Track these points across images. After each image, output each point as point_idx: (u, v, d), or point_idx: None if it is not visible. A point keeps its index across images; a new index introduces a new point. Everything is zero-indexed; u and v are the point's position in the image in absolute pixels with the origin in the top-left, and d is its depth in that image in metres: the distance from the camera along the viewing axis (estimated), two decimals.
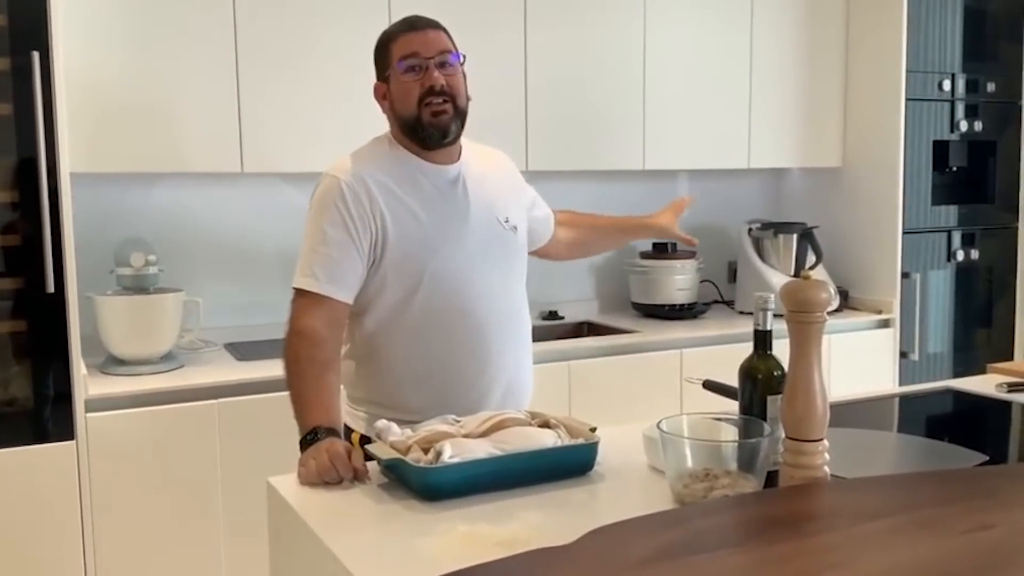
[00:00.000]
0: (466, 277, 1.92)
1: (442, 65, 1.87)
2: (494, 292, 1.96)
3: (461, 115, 1.91)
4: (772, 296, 1.52)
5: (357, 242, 1.85)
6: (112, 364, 2.75)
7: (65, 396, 2.43)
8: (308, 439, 1.67)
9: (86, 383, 2.49)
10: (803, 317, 1.39)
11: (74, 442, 2.45)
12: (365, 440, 1.88)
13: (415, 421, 1.83)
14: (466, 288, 1.92)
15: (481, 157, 2.05)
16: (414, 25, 1.90)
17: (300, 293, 1.87)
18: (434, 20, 1.93)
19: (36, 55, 2.32)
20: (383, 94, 1.94)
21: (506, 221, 1.99)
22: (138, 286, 2.81)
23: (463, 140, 2.00)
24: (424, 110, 1.86)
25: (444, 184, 1.94)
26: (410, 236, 1.88)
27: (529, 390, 2.08)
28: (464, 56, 1.93)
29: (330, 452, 1.59)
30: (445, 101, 1.86)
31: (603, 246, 2.51)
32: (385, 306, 1.91)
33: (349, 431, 2.02)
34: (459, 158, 1.98)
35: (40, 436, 2.42)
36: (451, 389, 1.92)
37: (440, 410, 1.78)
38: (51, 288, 2.37)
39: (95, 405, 2.49)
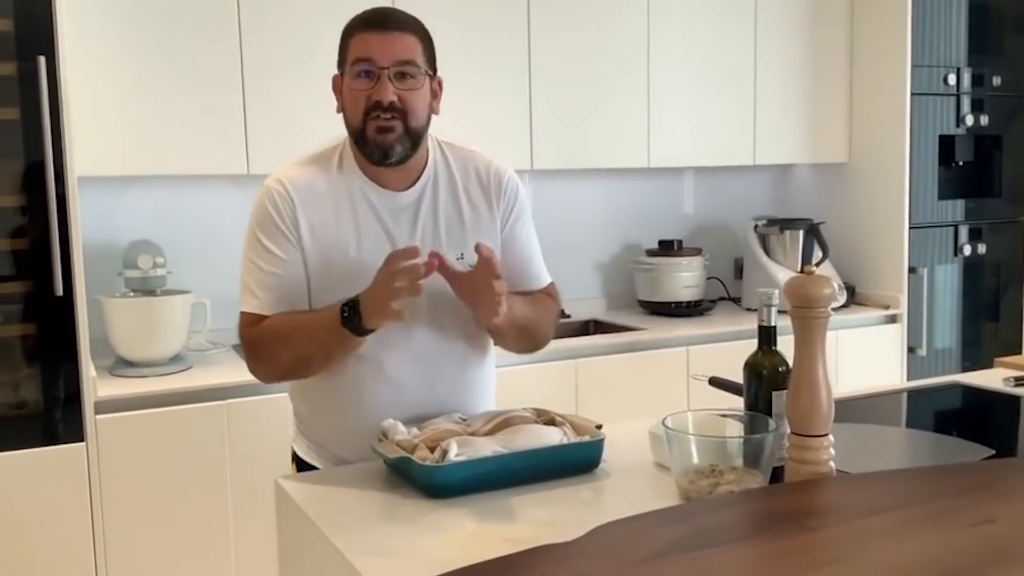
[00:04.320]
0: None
1: (400, 76, 1.65)
2: (424, 332, 1.75)
3: (413, 135, 1.68)
4: (776, 292, 1.52)
5: (298, 249, 1.71)
6: (121, 366, 2.76)
7: (74, 398, 2.45)
8: (347, 311, 1.58)
9: (95, 385, 2.50)
10: (807, 312, 1.40)
11: (84, 444, 2.46)
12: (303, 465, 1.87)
13: (330, 449, 1.81)
14: (387, 330, 1.65)
15: (465, 174, 1.80)
16: (379, 23, 1.67)
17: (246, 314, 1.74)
18: (410, 19, 1.69)
19: (43, 60, 2.34)
20: (340, 90, 1.74)
21: (459, 258, 1.74)
22: (146, 288, 2.83)
23: (454, 145, 1.83)
24: (369, 124, 1.66)
25: (389, 212, 1.74)
26: (331, 264, 1.72)
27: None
28: (433, 72, 1.72)
29: (382, 285, 1.54)
30: (394, 118, 1.65)
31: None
32: None
33: (296, 456, 1.93)
34: (420, 178, 1.76)
35: (50, 438, 2.43)
36: (358, 427, 1.73)
37: (347, 444, 1.74)
38: (60, 291, 2.39)
39: (104, 407, 2.50)
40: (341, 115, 1.76)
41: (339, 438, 1.80)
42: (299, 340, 1.68)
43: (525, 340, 1.81)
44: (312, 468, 1.84)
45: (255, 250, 1.74)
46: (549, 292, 1.90)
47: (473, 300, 1.67)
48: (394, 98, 1.65)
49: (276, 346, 1.71)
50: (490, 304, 1.62)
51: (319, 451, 1.85)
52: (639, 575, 1.08)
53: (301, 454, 1.89)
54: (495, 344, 1.84)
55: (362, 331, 1.60)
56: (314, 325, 1.67)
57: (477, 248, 1.61)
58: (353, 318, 1.58)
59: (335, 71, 2.88)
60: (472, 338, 1.82)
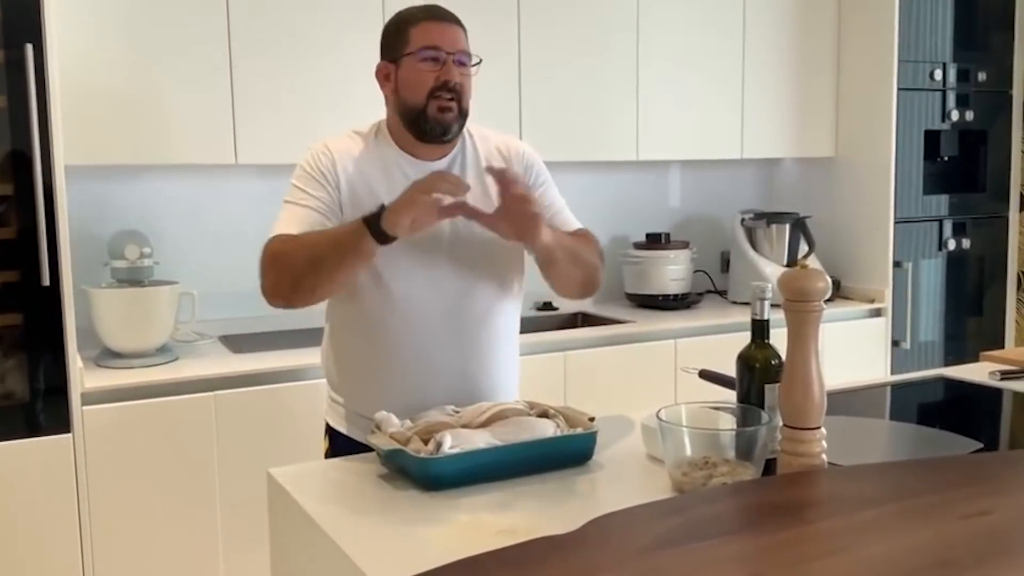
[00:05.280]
0: (419, 275, 1.86)
1: (459, 64, 1.85)
2: (451, 291, 1.88)
3: (464, 115, 1.88)
4: (769, 285, 1.53)
5: (336, 198, 1.85)
6: (107, 357, 2.74)
7: (61, 389, 2.43)
8: (374, 218, 1.68)
9: (82, 376, 2.48)
10: (801, 306, 1.40)
11: (70, 435, 2.45)
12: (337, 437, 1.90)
13: (365, 416, 1.82)
14: (416, 286, 1.85)
15: (488, 147, 1.98)
16: (438, 15, 1.87)
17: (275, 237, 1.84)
18: (456, 16, 1.90)
19: (30, 47, 2.31)
20: (387, 75, 1.89)
21: None
22: (133, 279, 2.81)
23: (479, 128, 1.99)
24: (432, 103, 1.82)
25: (419, 176, 1.83)
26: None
27: (493, 398, 1.93)
28: (480, 60, 1.91)
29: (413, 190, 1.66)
30: (453, 99, 1.83)
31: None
32: (344, 294, 1.87)
33: (329, 428, 2.00)
34: (450, 152, 1.92)
35: (36, 429, 2.42)
36: (390, 386, 1.86)
37: (380, 406, 1.73)
38: (46, 281, 2.37)
39: (91, 398, 2.49)
40: (386, 98, 1.91)
41: (370, 403, 1.82)
42: (318, 240, 1.76)
43: (579, 267, 1.90)
44: (345, 438, 1.91)
45: (292, 195, 1.87)
46: (585, 233, 2.01)
47: (513, 230, 1.77)
48: (458, 79, 1.84)
49: (295, 249, 1.77)
50: (530, 222, 1.74)
51: (353, 420, 1.91)
52: (635, 566, 1.09)
53: (334, 424, 1.97)
54: (549, 277, 1.91)
55: (380, 231, 1.67)
56: (337, 229, 1.78)
57: (489, 170, 1.77)
58: (377, 219, 1.67)
59: (324, 62, 2.90)
60: (500, 301, 1.94)
